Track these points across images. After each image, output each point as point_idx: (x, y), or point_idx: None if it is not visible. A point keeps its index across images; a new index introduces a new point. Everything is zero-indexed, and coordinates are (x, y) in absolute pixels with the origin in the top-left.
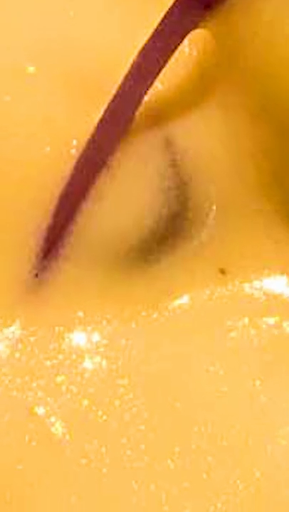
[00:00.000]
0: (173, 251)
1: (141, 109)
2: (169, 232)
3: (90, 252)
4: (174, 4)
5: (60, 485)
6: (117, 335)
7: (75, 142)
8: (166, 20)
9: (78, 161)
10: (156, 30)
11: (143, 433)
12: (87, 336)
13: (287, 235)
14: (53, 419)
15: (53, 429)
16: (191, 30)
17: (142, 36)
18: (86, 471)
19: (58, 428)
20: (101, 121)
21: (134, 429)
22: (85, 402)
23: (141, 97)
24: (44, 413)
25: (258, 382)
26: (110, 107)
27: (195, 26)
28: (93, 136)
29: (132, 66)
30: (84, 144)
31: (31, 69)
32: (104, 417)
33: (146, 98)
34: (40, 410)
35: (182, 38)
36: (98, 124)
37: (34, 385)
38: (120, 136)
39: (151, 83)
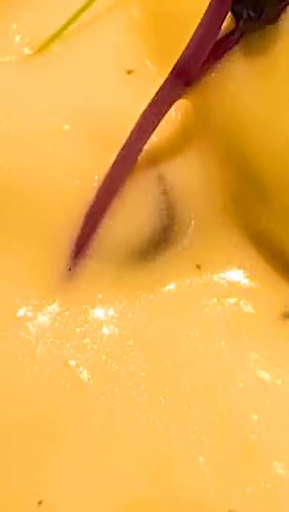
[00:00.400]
0: (164, 252)
1: (142, 154)
2: (161, 240)
3: (107, 253)
4: (165, 82)
5: (86, 415)
6: (125, 310)
7: (96, 177)
8: (159, 94)
9: (99, 191)
10: (152, 100)
11: (143, 378)
12: (105, 311)
13: (243, 241)
14: (81, 368)
15: (81, 376)
16: (176, 100)
17: (143, 104)
18: (104, 405)
19: (84, 375)
20: (114, 162)
21: (137, 376)
22: (103, 357)
23: (142, 146)
24: (75, 364)
25: (223, 343)
26: (121, 152)
27: (179, 97)
28: (109, 173)
29: (136, 125)
30: (102, 178)
31: (66, 127)
32: (117, 367)
33: (145, 147)
34: (72, 362)
35: (170, 105)
36: (112, 165)
37: (68, 345)
38: (128, 173)
39: (149, 136)
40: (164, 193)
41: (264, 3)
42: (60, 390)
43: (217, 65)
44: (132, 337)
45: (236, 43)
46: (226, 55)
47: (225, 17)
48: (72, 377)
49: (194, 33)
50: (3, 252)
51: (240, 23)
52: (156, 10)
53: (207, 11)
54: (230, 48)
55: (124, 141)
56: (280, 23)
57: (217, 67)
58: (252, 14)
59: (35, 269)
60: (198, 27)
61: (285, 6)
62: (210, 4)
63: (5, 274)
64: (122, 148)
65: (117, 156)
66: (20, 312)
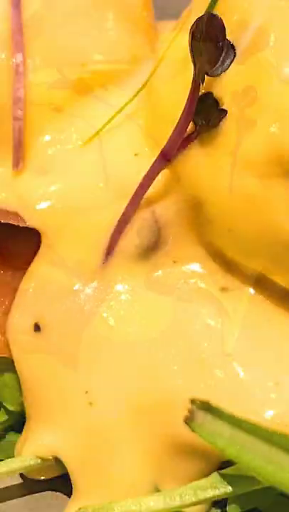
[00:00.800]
0: (155, 254)
1: (143, 199)
2: (153, 247)
3: (124, 254)
4: (155, 160)
5: (111, 339)
6: (134, 286)
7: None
8: (152, 166)
9: (119, 220)
10: (148, 170)
11: (143, 323)
12: (122, 286)
13: (199, 248)
14: (110, 318)
15: (110, 323)
16: (162, 170)
17: (144, 172)
18: (121, 338)
19: (111, 321)
20: (128, 204)
21: (139, 321)
22: (122, 312)
23: (143, 194)
24: (106, 316)
25: (186, 304)
26: (131, 198)
27: (163, 168)
28: (125, 210)
29: (140, 183)
30: (121, 213)
31: (101, 184)
32: (129, 317)
33: (145, 196)
34: (104, 315)
35: (158, 173)
36: (127, 206)
37: (102, 305)
38: (135, 210)
39: (147, 190)
40: (155, 221)
41: (211, 116)
42: (97, 331)
43: (184, 150)
44: (137, 300)
45: (195, 138)
46: (189, 145)
47: (188, 124)
48: (104, 323)
49: (172, 134)
50: (67, 253)
51: (198, 127)
52: (151, 122)
53: (178, 122)
54: (192, 141)
55: (133, 192)
56: (220, 126)
57: (184, 152)
58: (204, 122)
59: (85, 262)
60: (174, 130)
61: (222, 118)
62: (180, 119)
63: (67, 266)
64: (132, 196)
65: (129, 203)
66: (76, 287)
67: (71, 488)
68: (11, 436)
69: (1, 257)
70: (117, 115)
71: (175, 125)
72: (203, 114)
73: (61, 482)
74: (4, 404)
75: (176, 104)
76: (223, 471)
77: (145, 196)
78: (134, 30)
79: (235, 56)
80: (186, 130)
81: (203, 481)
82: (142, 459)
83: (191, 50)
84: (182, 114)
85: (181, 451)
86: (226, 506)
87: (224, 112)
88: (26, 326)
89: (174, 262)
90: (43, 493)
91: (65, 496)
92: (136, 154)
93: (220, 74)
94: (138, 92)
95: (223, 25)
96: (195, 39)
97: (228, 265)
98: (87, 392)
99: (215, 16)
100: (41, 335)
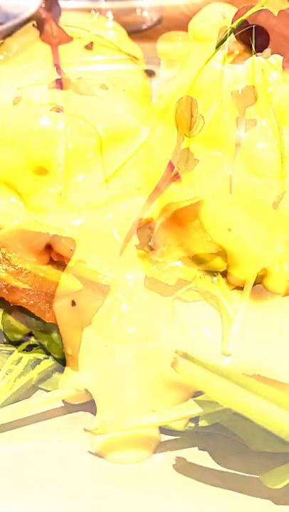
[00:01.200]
0: (152, 254)
1: (141, 220)
2: (150, 249)
3: (131, 254)
4: (152, 192)
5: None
6: (137, 275)
7: (126, 230)
8: (149, 197)
9: (128, 233)
10: (146, 200)
11: (143, 292)
12: (129, 275)
13: (180, 252)
14: (120, 287)
15: (119, 298)
16: (156, 199)
17: (143, 201)
18: (127, 303)
19: (121, 297)
20: (133, 223)
21: (141, 294)
22: (129, 291)
23: (143, 216)
24: (118, 295)
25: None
26: (136, 219)
27: (157, 198)
28: (132, 226)
29: (141, 209)
30: (129, 228)
31: (115, 208)
32: (132, 293)
33: (144, 216)
34: (118, 294)
35: (153, 201)
36: (133, 223)
37: (116, 287)
38: (138, 226)
39: (146, 212)
40: (151, 231)
41: (188, 163)
42: (112, 303)
43: (170, 186)
44: (139, 284)
45: (178, 178)
46: (173, 182)
47: (174, 168)
48: (117, 298)
49: (163, 175)
50: (93, 255)
51: (179, 171)
52: (149, 167)
53: (167, 167)
54: (175, 180)
55: (136, 215)
56: (193, 170)
57: (170, 186)
58: (183, 167)
59: (105, 261)
60: (164, 173)
61: (195, 164)
62: (168, 165)
63: (93, 263)
64: (137, 216)
65: (135, 219)
66: (99, 276)
67: (96, 409)
68: (56, 375)
69: (48, 258)
70: (127, 162)
71: (165, 169)
72: (183, 162)
73: (89, 405)
74: (52, 354)
75: (165, 155)
76: (196, 398)
77: (144, 216)
78: (138, 107)
79: (204, 124)
80: (172, 172)
81: (183, 405)
82: (143, 391)
83: (176, 120)
84: (169, 162)
85: (169, 385)
86: (198, 421)
87: (197, 160)
88: (66, 302)
89: (164, 260)
90: (78, 412)
91: (92, 414)
92: (139, 188)
93: (194, 136)
94: (140, 148)
95: (196, 103)
96: (178, 112)
97: (199, 262)
98: (106, 346)
99: (191, 97)
100: (76, 308)
